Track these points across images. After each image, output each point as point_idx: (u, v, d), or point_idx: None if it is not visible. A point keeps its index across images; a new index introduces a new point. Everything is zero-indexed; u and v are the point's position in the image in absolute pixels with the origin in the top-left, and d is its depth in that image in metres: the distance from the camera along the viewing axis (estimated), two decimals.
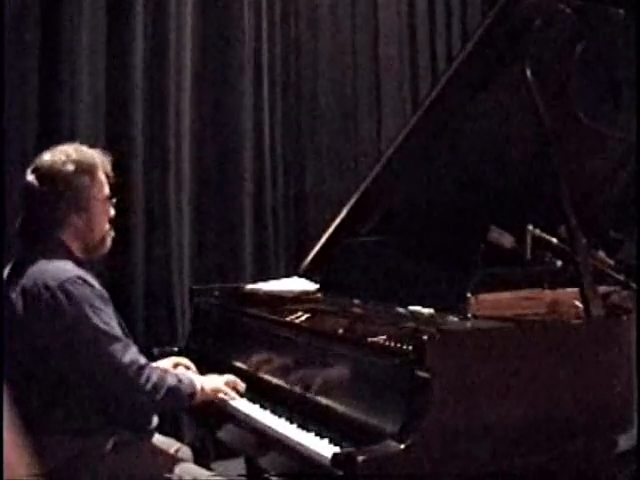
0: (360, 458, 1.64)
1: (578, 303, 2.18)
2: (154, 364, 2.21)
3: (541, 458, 1.89)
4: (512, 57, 2.34)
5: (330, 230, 2.86)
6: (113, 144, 3.20)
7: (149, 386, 1.96)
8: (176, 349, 2.84)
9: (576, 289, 2.17)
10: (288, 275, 2.94)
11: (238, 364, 2.48)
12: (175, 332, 3.56)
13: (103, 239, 2.15)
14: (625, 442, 2.05)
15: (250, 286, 2.83)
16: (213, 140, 3.88)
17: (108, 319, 1.97)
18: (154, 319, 3.55)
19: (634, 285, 2.40)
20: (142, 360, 2.00)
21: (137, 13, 3.52)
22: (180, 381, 2.07)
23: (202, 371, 2.41)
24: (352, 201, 2.79)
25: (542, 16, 2.30)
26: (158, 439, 2.22)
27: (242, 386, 2.27)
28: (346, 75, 4.43)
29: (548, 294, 2.44)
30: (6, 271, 2.06)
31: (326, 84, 4.34)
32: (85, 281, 1.98)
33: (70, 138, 3.21)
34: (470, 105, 2.51)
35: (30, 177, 2.06)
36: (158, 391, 1.98)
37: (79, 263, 2.05)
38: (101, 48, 3.43)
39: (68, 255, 2.05)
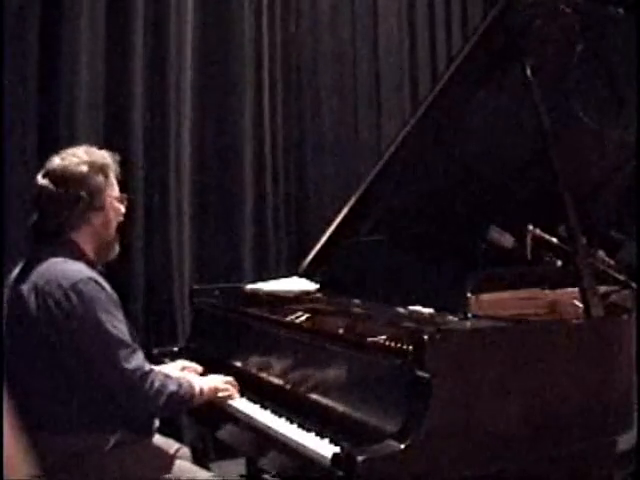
0: (360, 458, 1.64)
1: (578, 303, 2.18)
2: (162, 367, 2.22)
3: (540, 458, 1.89)
4: (512, 57, 2.34)
5: (330, 230, 2.86)
6: (113, 144, 3.19)
7: (151, 392, 1.97)
8: (176, 349, 2.84)
9: (576, 289, 2.17)
10: (288, 275, 2.93)
11: (238, 364, 2.49)
12: (175, 332, 3.57)
13: (115, 239, 2.16)
14: (625, 442, 2.05)
15: (250, 286, 2.83)
16: (214, 140, 3.89)
17: (117, 323, 1.98)
18: (154, 319, 3.55)
19: (634, 285, 2.40)
20: (147, 366, 2.00)
21: (137, 13, 3.52)
22: (180, 386, 2.07)
23: (203, 371, 2.42)
24: (352, 201, 2.79)
25: (542, 16, 2.30)
26: (158, 439, 2.22)
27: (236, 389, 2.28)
28: (346, 75, 4.43)
29: (548, 294, 2.44)
30: (17, 270, 2.06)
31: (326, 84, 4.34)
32: (98, 283, 1.98)
33: (70, 138, 3.24)
34: (470, 104, 2.51)
35: (43, 181, 2.04)
36: (159, 397, 1.98)
37: (92, 265, 2.06)
38: (101, 48, 3.44)
39: (81, 256, 2.05)
